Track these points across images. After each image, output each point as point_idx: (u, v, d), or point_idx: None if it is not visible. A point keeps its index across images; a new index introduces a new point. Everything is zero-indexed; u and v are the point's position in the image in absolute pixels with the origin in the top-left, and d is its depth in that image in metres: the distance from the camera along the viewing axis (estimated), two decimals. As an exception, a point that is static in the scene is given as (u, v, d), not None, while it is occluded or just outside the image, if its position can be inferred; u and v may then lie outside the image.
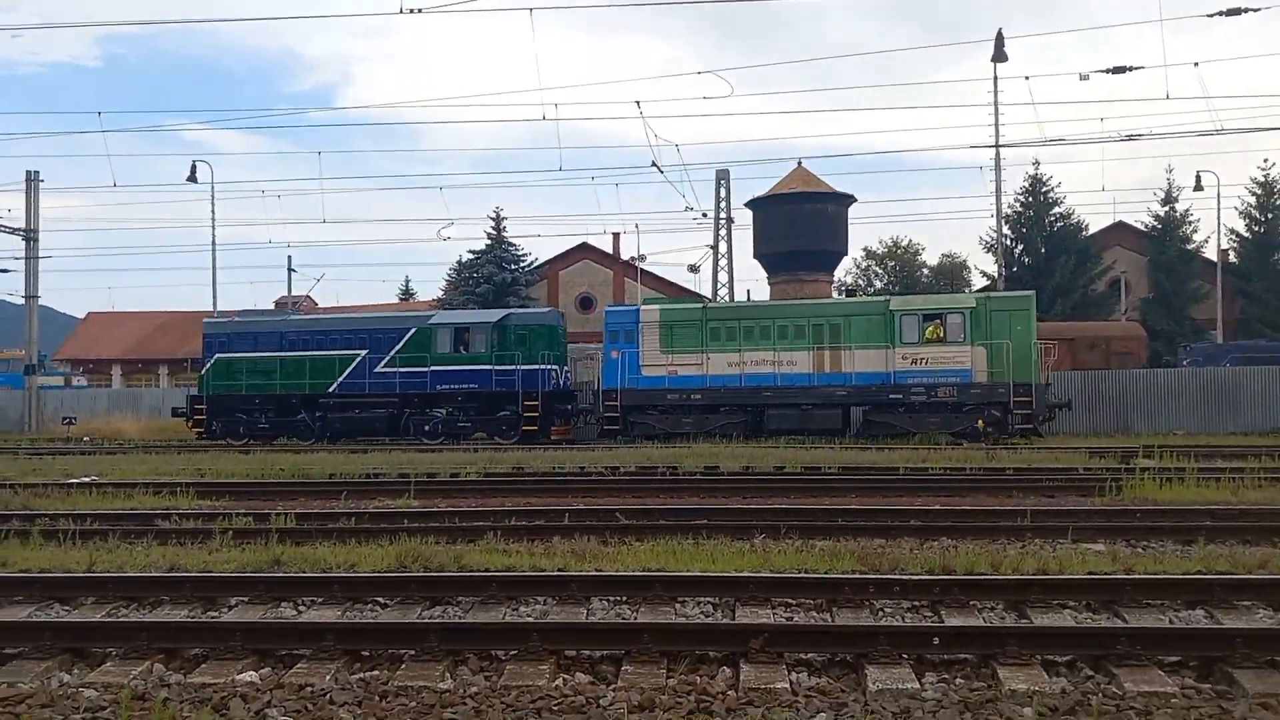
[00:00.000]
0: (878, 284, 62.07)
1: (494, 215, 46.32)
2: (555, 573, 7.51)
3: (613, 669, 5.66)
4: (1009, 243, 41.64)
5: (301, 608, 7.01)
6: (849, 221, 49.33)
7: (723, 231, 43.27)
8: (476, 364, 26.28)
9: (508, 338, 26.31)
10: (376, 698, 5.22)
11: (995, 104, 31.67)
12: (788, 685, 5.29)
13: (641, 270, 47.80)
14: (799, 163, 49.88)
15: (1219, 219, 41.54)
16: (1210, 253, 43.42)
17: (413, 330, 27.02)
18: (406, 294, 60.52)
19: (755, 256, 50.43)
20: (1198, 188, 39.26)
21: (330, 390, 27.05)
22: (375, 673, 5.68)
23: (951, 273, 60.37)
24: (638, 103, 43.72)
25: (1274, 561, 8.05)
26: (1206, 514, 10.19)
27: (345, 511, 11.21)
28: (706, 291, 45.46)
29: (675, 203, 78.35)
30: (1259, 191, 44.21)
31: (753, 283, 77.81)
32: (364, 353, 26.92)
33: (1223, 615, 6.49)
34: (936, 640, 5.68)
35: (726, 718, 4.88)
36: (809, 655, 5.73)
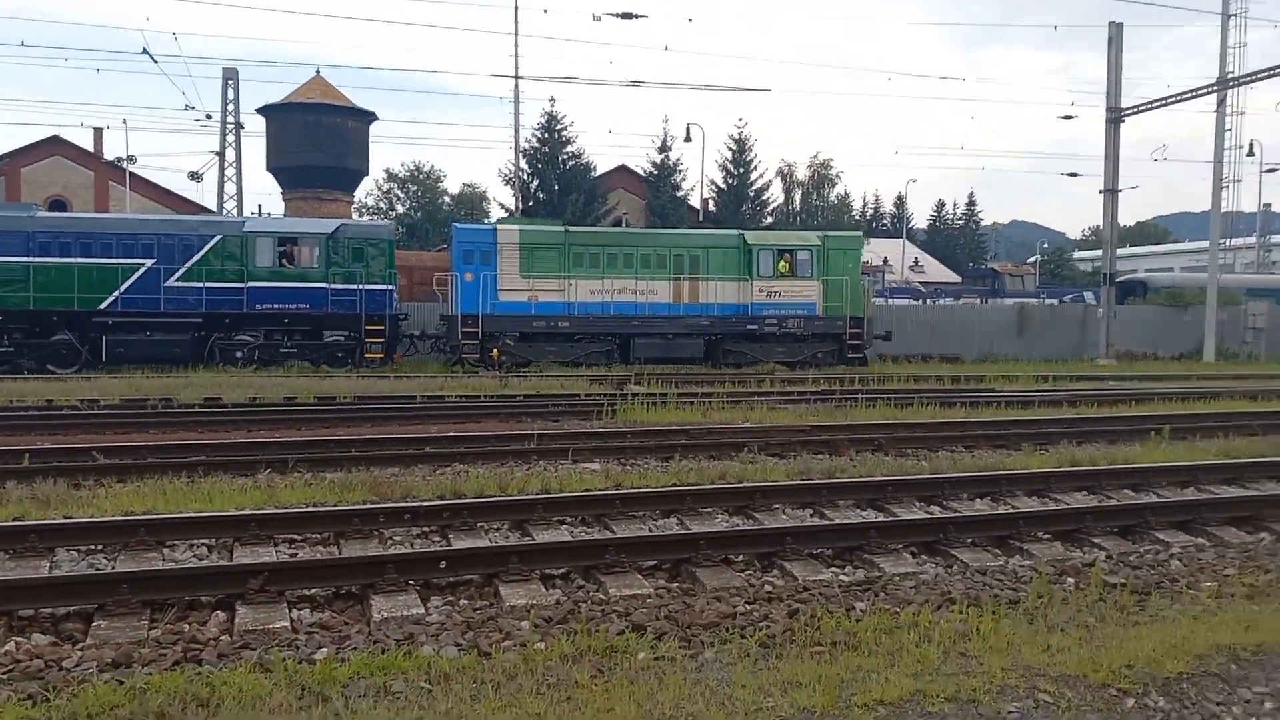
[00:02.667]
0: (400, 209, 61.49)
1: (-66, 94, 37.96)
2: (9, 523, 6.46)
3: (82, 626, 5.01)
4: (525, 177, 43.40)
5: None
6: (370, 140, 48.17)
7: (230, 138, 39.96)
8: (307, 281, 22.94)
9: (343, 252, 23.21)
10: None
11: (515, 33, 32.99)
12: (288, 623, 5.06)
13: (131, 174, 42.33)
14: (318, 71, 47.53)
15: (703, 170, 47.14)
16: (695, 200, 49.01)
17: (217, 238, 22.73)
18: None
19: (269, 169, 47.35)
20: (687, 139, 44.02)
21: (105, 307, 21.92)
22: None
23: (472, 202, 61.59)
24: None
25: (732, 471, 9.39)
26: (681, 433, 11.56)
27: None
28: (211, 203, 41.81)
29: (174, 100, 70.12)
30: (734, 147, 50.60)
31: (265, 197, 72.89)
32: (150, 263, 22.20)
33: (691, 521, 7.41)
34: (443, 564, 5.78)
35: (218, 664, 4.53)
36: (313, 591, 5.55)
